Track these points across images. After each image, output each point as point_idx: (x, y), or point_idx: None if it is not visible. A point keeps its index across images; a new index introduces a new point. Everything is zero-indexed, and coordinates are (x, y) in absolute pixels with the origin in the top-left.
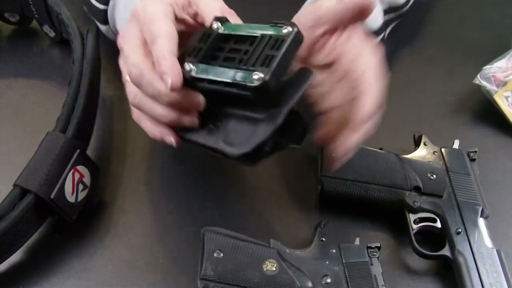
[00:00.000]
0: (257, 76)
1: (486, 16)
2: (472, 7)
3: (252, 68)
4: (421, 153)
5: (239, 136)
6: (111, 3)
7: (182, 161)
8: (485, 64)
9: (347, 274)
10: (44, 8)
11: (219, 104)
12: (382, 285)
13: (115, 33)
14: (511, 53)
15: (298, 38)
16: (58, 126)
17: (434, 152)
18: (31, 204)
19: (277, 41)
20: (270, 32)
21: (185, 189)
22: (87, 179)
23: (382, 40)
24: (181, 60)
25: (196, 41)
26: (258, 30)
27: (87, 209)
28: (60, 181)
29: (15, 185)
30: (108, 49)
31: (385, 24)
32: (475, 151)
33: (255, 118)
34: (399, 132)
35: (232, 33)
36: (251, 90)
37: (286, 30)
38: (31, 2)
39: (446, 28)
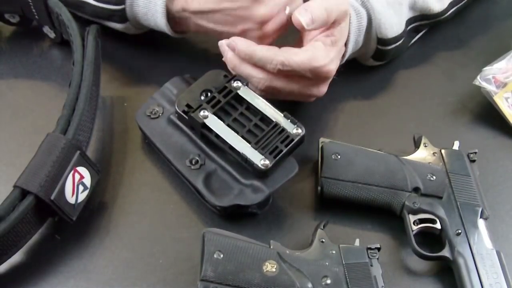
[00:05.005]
0: (264, 162)
1: (486, 16)
2: (472, 7)
3: (262, 152)
4: (421, 154)
5: (219, 188)
6: (128, 0)
7: None
8: (485, 65)
9: (347, 275)
10: (44, 9)
11: (209, 146)
12: (382, 286)
13: (137, 26)
14: (511, 54)
15: (302, 139)
16: (58, 127)
17: (434, 153)
18: (32, 205)
19: (287, 138)
20: (283, 123)
21: (185, 190)
22: (87, 180)
23: (406, 43)
24: (199, 99)
25: (215, 90)
26: (271, 113)
27: (87, 210)
28: (60, 182)
29: (15, 186)
30: (108, 50)
31: (415, 30)
32: (475, 152)
33: (239, 180)
34: (399, 133)
35: (248, 99)
36: (254, 169)
37: (296, 131)
38: (31, 3)
39: (446, 28)
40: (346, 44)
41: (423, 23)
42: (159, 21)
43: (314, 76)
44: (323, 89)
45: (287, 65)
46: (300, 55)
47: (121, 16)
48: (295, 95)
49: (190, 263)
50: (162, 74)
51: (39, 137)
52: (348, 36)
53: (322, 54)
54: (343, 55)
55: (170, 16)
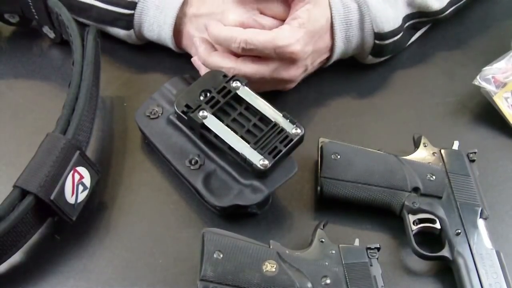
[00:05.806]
0: (263, 162)
1: (486, 16)
2: (471, 7)
3: (261, 152)
4: (421, 154)
5: (219, 188)
6: (139, 6)
7: None
8: (485, 65)
9: (346, 275)
10: (44, 9)
11: (209, 146)
12: (382, 286)
13: (138, 37)
14: (511, 54)
15: (302, 139)
16: (58, 127)
17: (433, 153)
18: (31, 205)
19: (286, 138)
20: (282, 123)
21: (184, 190)
22: (87, 180)
23: (405, 39)
24: (199, 99)
25: (214, 90)
26: (270, 113)
27: (87, 210)
28: (60, 182)
29: (15, 186)
30: (108, 50)
31: (413, 27)
32: (475, 152)
33: (238, 180)
34: (398, 133)
35: (247, 99)
36: (253, 169)
37: (295, 130)
38: (31, 3)
39: (445, 28)
40: (333, 37)
41: (422, 21)
42: (165, 34)
43: (278, 56)
44: (293, 73)
45: (250, 43)
46: (264, 34)
47: (128, 22)
48: (267, 81)
49: (189, 263)
50: (162, 74)
51: (39, 137)
52: (333, 27)
53: (287, 34)
54: (332, 49)
55: (175, 31)
